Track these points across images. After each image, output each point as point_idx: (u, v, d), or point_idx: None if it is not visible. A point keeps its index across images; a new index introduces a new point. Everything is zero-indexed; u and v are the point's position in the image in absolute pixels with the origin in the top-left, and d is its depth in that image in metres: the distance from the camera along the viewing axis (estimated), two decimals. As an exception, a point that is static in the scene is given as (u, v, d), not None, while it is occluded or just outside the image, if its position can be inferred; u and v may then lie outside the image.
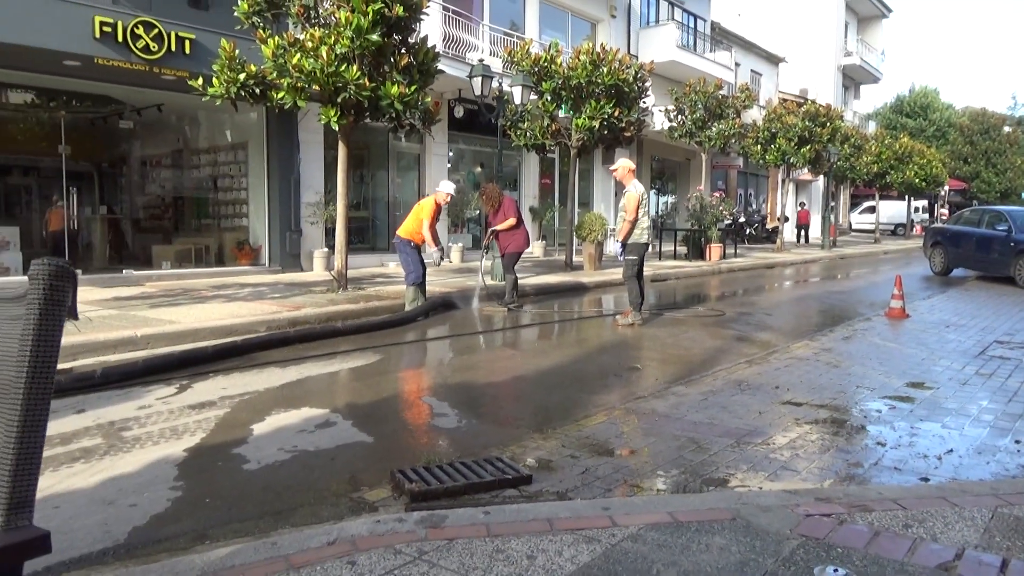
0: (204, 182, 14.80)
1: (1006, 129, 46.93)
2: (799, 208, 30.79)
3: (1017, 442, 4.24)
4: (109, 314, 7.98)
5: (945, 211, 40.61)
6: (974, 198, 45.10)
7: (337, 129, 9.94)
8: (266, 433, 4.29)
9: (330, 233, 13.49)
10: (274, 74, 9.35)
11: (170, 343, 7.03)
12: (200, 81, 9.69)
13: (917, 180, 30.57)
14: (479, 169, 18.42)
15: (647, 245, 8.70)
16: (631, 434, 4.31)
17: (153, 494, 3.32)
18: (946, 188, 38.45)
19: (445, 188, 9.53)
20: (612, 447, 4.06)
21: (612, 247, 8.58)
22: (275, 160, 13.53)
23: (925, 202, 41.76)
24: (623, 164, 8.91)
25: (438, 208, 9.30)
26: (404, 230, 9.23)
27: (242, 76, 9.36)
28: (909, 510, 2.80)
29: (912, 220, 38.51)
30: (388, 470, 3.53)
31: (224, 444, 4.06)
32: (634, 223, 8.37)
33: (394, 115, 9.86)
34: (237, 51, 9.49)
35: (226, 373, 5.84)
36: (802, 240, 29.24)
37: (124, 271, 11.98)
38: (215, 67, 9.47)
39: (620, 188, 23.23)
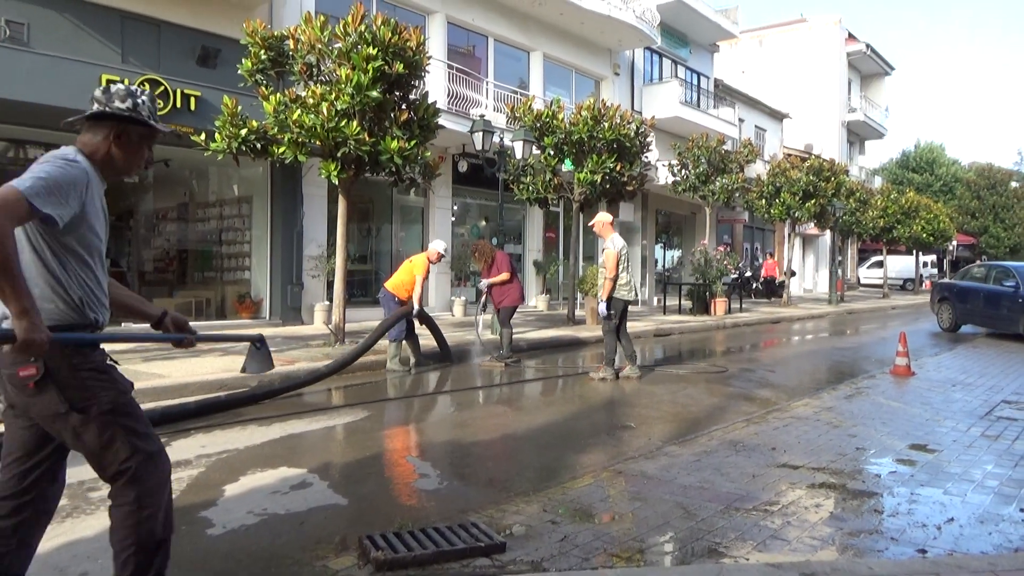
0: (209, 235, 14.88)
1: (1013, 184, 47.00)
2: (766, 258, 28.94)
3: (1022, 511, 4.04)
4: (100, 368, 7.89)
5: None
6: (983, 253, 44.91)
7: (337, 183, 10.01)
8: (237, 495, 4.15)
9: (332, 286, 13.48)
10: (275, 129, 9.45)
11: (157, 398, 6.92)
12: (203, 136, 9.81)
13: (924, 235, 30.48)
14: (484, 223, 18.48)
15: (629, 301, 8.64)
16: (617, 498, 4.14)
17: (107, 561, 3.17)
18: (954, 243, 38.29)
19: (436, 247, 9.51)
20: (595, 512, 3.89)
21: (600, 307, 8.52)
22: (279, 214, 13.62)
23: (934, 257, 41.62)
24: (600, 218, 8.89)
25: (429, 267, 9.25)
26: (392, 284, 9.18)
27: (244, 132, 9.48)
28: (900, 588, 2.63)
29: (921, 275, 38.30)
30: (358, 536, 3.38)
31: (192, 506, 3.92)
32: (614, 280, 8.36)
33: (394, 169, 9.92)
34: (239, 107, 9.63)
35: (207, 430, 5.71)
36: (773, 298, 25.92)
37: (123, 324, 11.95)
38: (217, 123, 9.60)
39: (626, 242, 23.25)
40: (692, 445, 5.38)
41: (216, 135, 9.61)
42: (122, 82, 10.18)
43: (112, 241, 13.17)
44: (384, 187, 15.58)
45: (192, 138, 10.02)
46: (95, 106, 2.38)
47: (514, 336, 10.21)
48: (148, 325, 2.72)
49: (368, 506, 4.04)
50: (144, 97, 2.45)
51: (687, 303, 18.66)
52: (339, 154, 9.44)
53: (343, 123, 9.14)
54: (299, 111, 9.12)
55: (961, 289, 15.96)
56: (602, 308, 8.48)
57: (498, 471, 4.85)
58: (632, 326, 14.59)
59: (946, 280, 17.42)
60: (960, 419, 6.52)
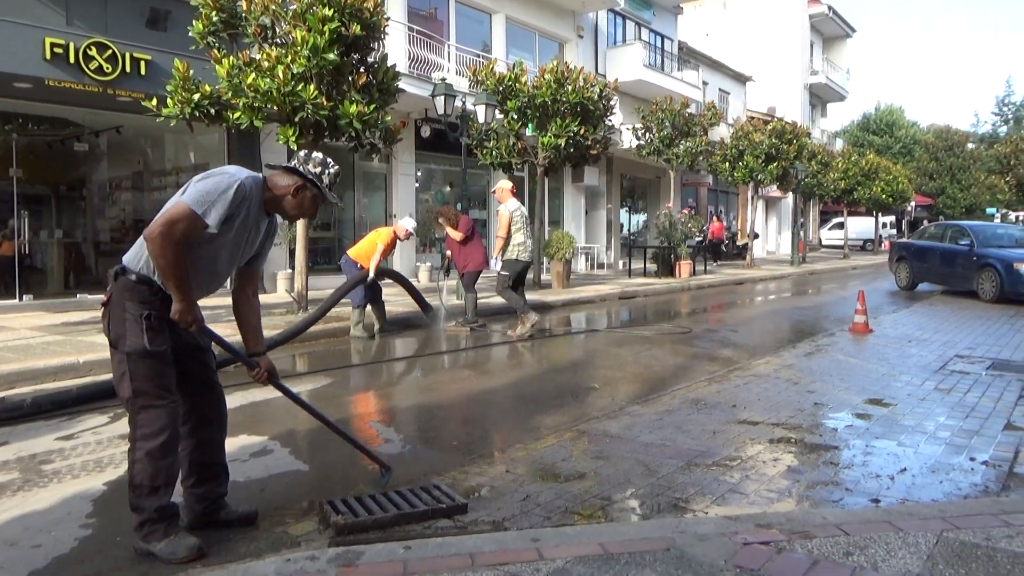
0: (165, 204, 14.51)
1: (970, 146, 47.85)
2: (712, 220, 27.62)
3: (972, 459, 4.16)
4: (54, 340, 7.72)
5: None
6: (940, 214, 45.82)
7: (295, 149, 9.81)
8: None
9: (294, 254, 13.29)
10: (229, 94, 9.19)
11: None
12: (154, 102, 9.53)
13: (884, 196, 30.96)
14: (448, 189, 18.32)
15: (525, 263, 9.20)
16: (579, 457, 4.16)
17: (61, 533, 3.12)
18: (912, 204, 39.00)
19: (406, 224, 9.39)
20: (558, 472, 3.91)
21: (494, 264, 8.97)
22: (237, 182, 13.30)
23: (893, 218, 42.38)
24: (500, 185, 9.53)
25: (394, 241, 9.13)
26: (355, 252, 9.06)
27: (196, 96, 9.21)
28: (852, 536, 2.68)
29: (880, 236, 39.01)
30: (318, 501, 3.35)
31: (150, 477, 3.86)
32: (506, 240, 9.01)
33: (354, 134, 9.75)
34: (191, 71, 9.34)
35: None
36: (719, 261, 25.44)
37: (79, 296, 11.69)
38: (169, 87, 9.31)
39: (591, 206, 23.18)
40: (655, 404, 5.43)
41: (168, 100, 9.33)
42: (67, 45, 9.86)
43: (65, 211, 12.74)
44: (345, 153, 15.29)
45: (143, 103, 9.73)
46: (294, 162, 3.11)
47: (479, 301, 10.18)
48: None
49: (330, 472, 4.01)
50: (331, 170, 3.15)
51: (652, 266, 18.78)
52: (296, 119, 9.23)
53: (300, 87, 8.94)
54: (254, 75, 8.88)
55: (918, 248, 16.28)
56: (496, 264, 9.05)
57: (462, 434, 4.85)
58: (597, 289, 14.68)
59: (904, 240, 17.74)
60: (915, 374, 6.67)
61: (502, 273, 8.97)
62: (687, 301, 14.25)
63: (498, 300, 12.26)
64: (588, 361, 7.54)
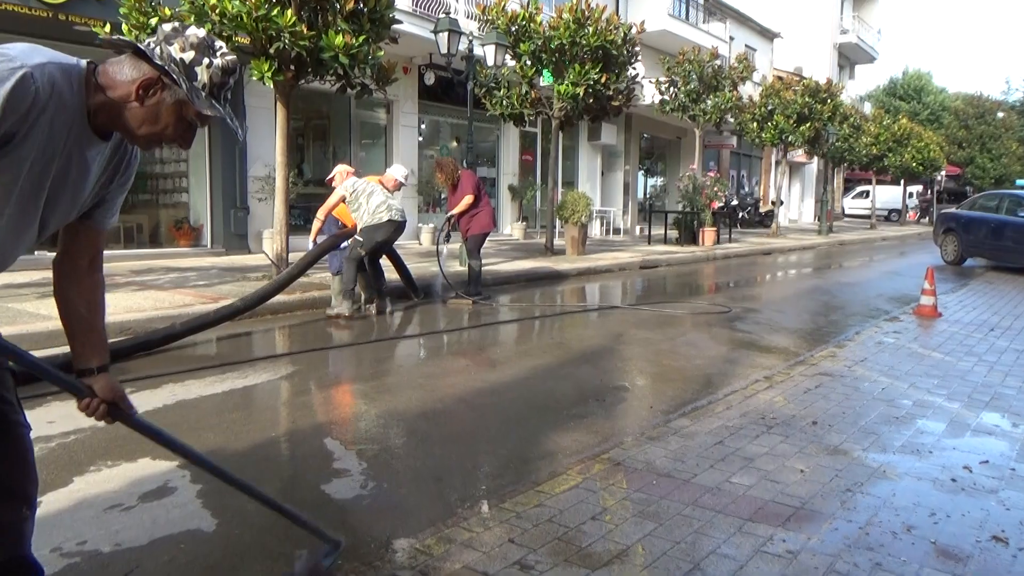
0: (141, 154, 13.12)
1: (1000, 114, 45.81)
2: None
3: None
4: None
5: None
6: (968, 184, 44.02)
7: (273, 87, 8.43)
8: (58, 511, 2.81)
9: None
10: (191, 18, 7.75)
11: (35, 346, 5.50)
12: (107, 28, 8.12)
13: (914, 164, 29.30)
14: (454, 144, 16.85)
15: (395, 224, 7.28)
16: (616, 513, 2.85)
17: None
18: (943, 173, 37.22)
19: (395, 173, 8.01)
20: (587, 543, 2.60)
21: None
22: (217, 128, 11.91)
23: (920, 187, 40.59)
24: (337, 169, 7.75)
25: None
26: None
27: (154, 21, 7.78)
28: None
29: (906, 206, 37.30)
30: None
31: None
32: (323, 222, 7.36)
33: (340, 71, 8.33)
34: (148, -9, 7.90)
35: (69, 397, 4.32)
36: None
37: (36, 252, 10.37)
38: (122, 10, 7.88)
39: (607, 167, 21.65)
40: (707, 418, 4.10)
41: (123, 26, 7.91)
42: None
43: None
44: (343, 102, 13.90)
45: (95, 30, 8.31)
46: (148, 42, 1.71)
47: (484, 268, 8.85)
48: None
49: (243, 537, 2.71)
50: (218, 61, 1.72)
51: (673, 233, 17.35)
52: (272, 50, 7.81)
53: (275, 12, 7.52)
54: (219, -6, 7.45)
55: (968, 220, 14.78)
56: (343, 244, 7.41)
57: (449, 462, 3.53)
58: (615, 257, 13.30)
59: (952, 210, 16.24)
60: (1020, 375, 5.32)
61: (357, 238, 7.23)
62: (715, 273, 12.86)
63: (508, 267, 10.95)
64: (612, 349, 6.20)
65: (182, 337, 5.83)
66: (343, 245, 7.41)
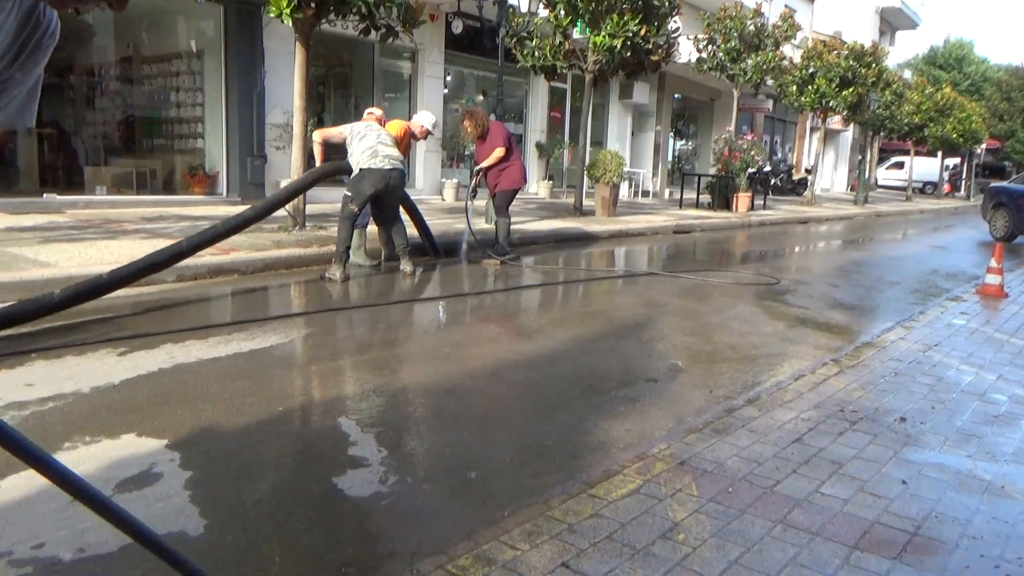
0: (156, 96, 12.56)
1: (1043, 87, 44.02)
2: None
3: None
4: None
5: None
6: (1007, 158, 42.58)
7: (292, 26, 7.83)
8: (15, 502, 2.33)
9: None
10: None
11: (29, 294, 5.06)
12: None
13: (955, 135, 28.14)
14: (481, 97, 16.14)
15: (378, 174, 6.38)
16: (692, 531, 2.34)
17: None
18: (983, 146, 35.90)
19: (423, 120, 7.41)
20: (660, 570, 2.09)
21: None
22: (235, 72, 11.36)
23: (957, 160, 39.27)
24: (368, 111, 7.04)
25: (407, 140, 7.17)
26: None
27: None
28: None
29: (943, 178, 36.08)
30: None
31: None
32: (320, 146, 6.64)
33: (364, 10, 7.72)
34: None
35: (58, 353, 3.86)
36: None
37: (45, 196, 9.93)
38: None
39: (637, 127, 20.81)
40: (776, 407, 3.56)
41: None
42: None
43: (50, 100, 10.63)
44: (366, 50, 13.22)
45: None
46: None
47: (512, 227, 8.29)
48: None
49: (237, 543, 2.22)
50: None
51: (705, 197, 16.63)
52: (292, -16, 7.21)
53: (296, -60, 6.91)
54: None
55: (1022, 194, 13.96)
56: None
57: (482, 452, 3.02)
58: (648, 220, 12.67)
59: (1002, 184, 15.40)
60: (1123, 369, 4.72)
61: (346, 193, 6.48)
62: (752, 241, 12.20)
63: (536, 227, 10.38)
64: (657, 321, 5.65)
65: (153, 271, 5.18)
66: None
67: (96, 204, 9.85)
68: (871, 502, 2.59)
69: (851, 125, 28.31)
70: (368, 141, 6.44)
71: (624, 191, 18.65)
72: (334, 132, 6.71)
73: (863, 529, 2.39)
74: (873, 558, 2.21)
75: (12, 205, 9.15)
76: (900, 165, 36.27)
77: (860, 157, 24.90)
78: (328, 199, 10.76)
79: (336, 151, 6.91)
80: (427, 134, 7.41)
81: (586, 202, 12.97)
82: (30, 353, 3.83)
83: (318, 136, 6.70)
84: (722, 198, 16.09)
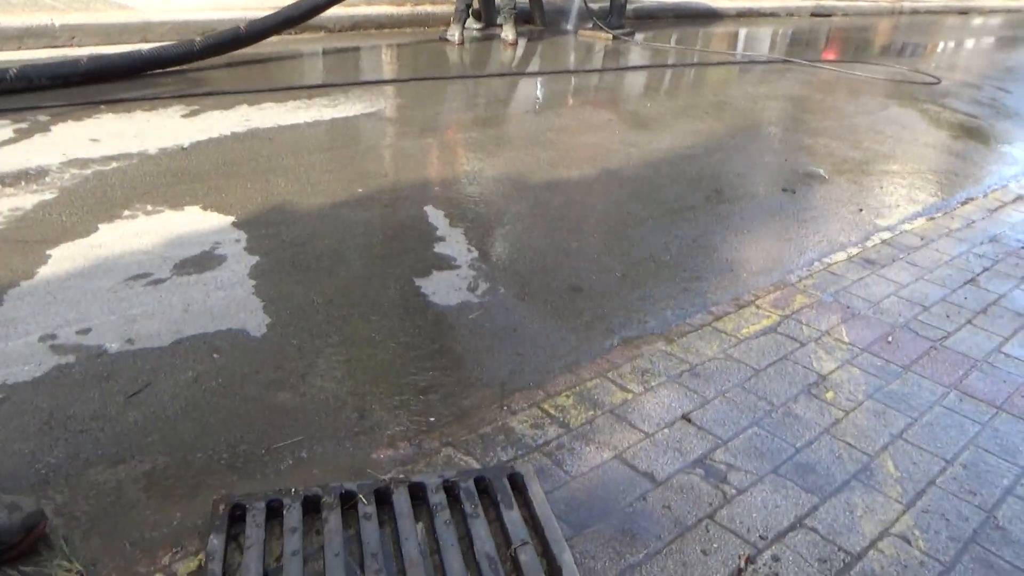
0: None
1: None
2: None
3: None
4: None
5: None
6: None
7: None
8: (65, 276, 2.08)
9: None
10: None
11: (105, 41, 4.73)
12: None
13: None
14: None
15: None
16: (842, 388, 1.90)
17: None
18: None
19: None
20: (800, 440, 1.69)
21: None
22: None
23: None
24: None
25: None
26: None
27: None
28: None
29: None
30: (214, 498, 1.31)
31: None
32: None
33: None
34: None
35: (127, 107, 3.53)
36: None
37: None
38: None
39: None
40: (942, 236, 2.95)
41: None
42: None
43: None
44: None
45: None
46: None
47: (630, -2, 7.27)
48: None
49: (302, 350, 1.92)
50: None
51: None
52: None
53: None
54: None
55: None
56: None
57: (589, 262, 2.59)
58: None
59: None
60: None
61: None
62: (904, 31, 10.57)
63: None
64: (794, 118, 4.87)
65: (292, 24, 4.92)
66: None
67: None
68: (1073, 374, 2.07)
69: None
70: None
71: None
72: None
73: (1065, 410, 1.90)
74: (1080, 451, 1.75)
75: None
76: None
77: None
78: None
79: None
80: None
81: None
82: (99, 104, 3.52)
83: None
84: (873, -23, 13.89)
